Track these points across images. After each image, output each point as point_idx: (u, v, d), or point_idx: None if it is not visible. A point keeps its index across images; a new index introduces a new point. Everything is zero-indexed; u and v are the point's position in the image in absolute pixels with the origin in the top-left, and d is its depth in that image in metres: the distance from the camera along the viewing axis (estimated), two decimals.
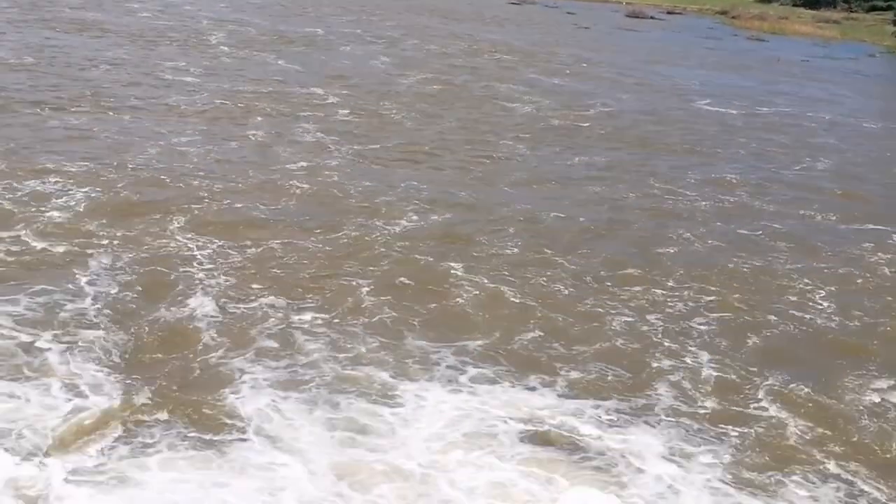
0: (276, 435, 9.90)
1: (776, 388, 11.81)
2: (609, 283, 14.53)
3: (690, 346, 12.75)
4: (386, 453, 9.79)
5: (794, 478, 9.96)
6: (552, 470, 9.73)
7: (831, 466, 10.18)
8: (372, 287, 13.64)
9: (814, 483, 9.87)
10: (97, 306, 12.34)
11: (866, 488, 9.85)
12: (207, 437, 9.78)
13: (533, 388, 11.37)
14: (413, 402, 10.78)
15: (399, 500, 9.08)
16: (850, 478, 10.02)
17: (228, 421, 10.11)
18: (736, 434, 10.68)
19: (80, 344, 11.37)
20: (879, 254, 16.99)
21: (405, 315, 12.89)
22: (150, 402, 10.28)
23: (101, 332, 11.68)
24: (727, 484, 9.79)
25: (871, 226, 18.69)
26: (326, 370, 11.27)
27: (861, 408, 11.52)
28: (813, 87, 38.50)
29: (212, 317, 12.35)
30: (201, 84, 27.03)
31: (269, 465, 9.46)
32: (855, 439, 10.78)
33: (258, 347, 11.65)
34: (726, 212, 18.92)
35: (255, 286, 13.31)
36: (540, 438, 10.30)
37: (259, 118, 23.49)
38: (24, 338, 11.33)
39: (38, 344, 11.23)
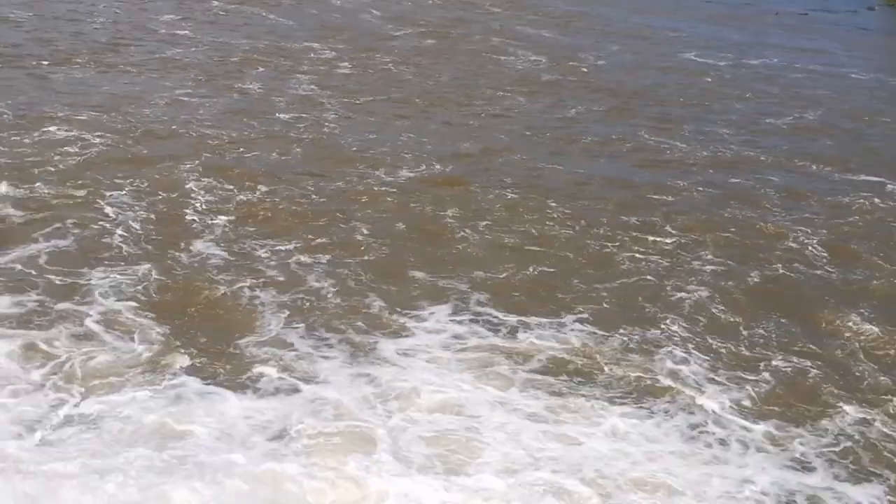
0: (294, 366, 10.85)
1: (774, 328, 12.63)
2: (608, 229, 15.32)
3: (692, 287, 13.57)
4: (401, 378, 10.70)
5: (794, 414, 10.76)
6: (568, 395, 10.72)
7: (836, 409, 10.91)
8: (372, 231, 14.61)
9: (820, 426, 10.56)
10: (119, 245, 13.48)
11: (862, 427, 10.57)
12: (228, 368, 10.71)
13: (541, 321, 12.30)
14: (419, 332, 11.83)
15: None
16: (848, 417, 10.76)
17: (248, 355, 11.03)
18: (743, 371, 11.52)
19: (103, 283, 12.32)
20: (876, 200, 17.68)
21: (407, 256, 13.92)
22: (174, 338, 11.22)
23: (123, 271, 12.72)
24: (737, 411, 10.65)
25: (864, 176, 19.36)
26: (332, 302, 12.37)
27: (855, 348, 12.29)
28: (807, 39, 39.07)
29: (222, 257, 13.41)
30: (197, 38, 27.63)
31: (292, 390, 10.33)
32: (849, 379, 11.54)
33: (267, 283, 12.71)
34: (720, 162, 19.65)
35: (260, 229, 14.39)
36: (553, 368, 11.30)
37: (256, 71, 24.19)
38: (54, 280, 12.29)
39: (60, 283, 12.21)
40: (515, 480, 9.22)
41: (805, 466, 9.85)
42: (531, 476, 9.31)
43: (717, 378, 11.27)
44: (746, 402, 10.84)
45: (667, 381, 11.15)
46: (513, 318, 12.32)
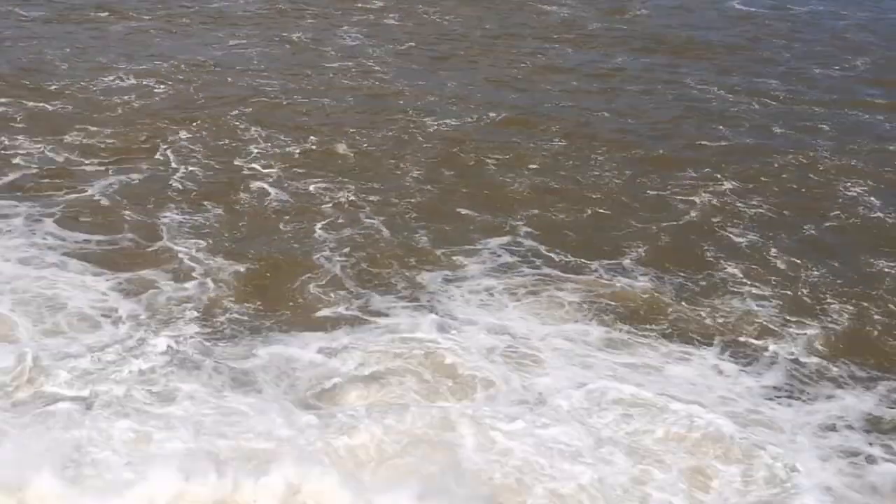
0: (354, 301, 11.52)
1: (830, 273, 12.91)
2: (658, 176, 15.70)
3: (747, 232, 13.93)
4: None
5: (862, 354, 11.10)
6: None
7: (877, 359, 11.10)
8: (421, 175, 15.23)
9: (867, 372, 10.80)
10: (182, 187, 14.39)
11: None
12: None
13: (597, 260, 12.84)
14: (472, 270, 12.44)
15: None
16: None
17: (311, 293, 11.75)
18: (806, 316, 11.87)
19: (171, 224, 13.23)
20: None
21: (456, 198, 14.56)
22: (241, 276, 11.97)
23: (188, 213, 13.62)
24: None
25: None
26: (385, 239, 13.16)
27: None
28: None
29: (281, 199, 14.17)
30: None
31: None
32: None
33: (325, 224, 13.50)
34: (769, 111, 19.68)
35: (314, 172, 15.14)
36: (612, 305, 11.83)
37: (306, 22, 24.58)
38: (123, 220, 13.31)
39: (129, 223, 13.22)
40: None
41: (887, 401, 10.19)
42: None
43: (781, 319, 11.66)
44: (816, 344, 11.20)
45: (724, 321, 11.57)
46: (566, 257, 12.86)
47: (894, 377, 10.64)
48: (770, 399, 10.14)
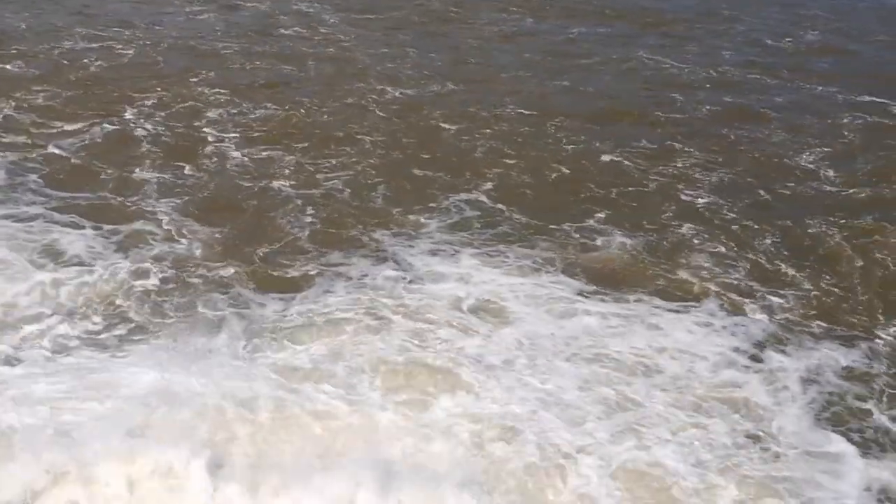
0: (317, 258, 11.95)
1: (781, 239, 13.19)
2: (612, 145, 15.95)
3: (704, 199, 14.22)
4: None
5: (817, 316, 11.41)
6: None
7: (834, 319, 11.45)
8: (380, 141, 15.54)
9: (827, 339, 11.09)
10: (146, 149, 14.71)
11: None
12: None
13: (556, 221, 13.15)
14: (431, 227, 12.88)
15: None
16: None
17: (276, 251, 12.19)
18: (764, 280, 12.15)
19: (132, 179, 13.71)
20: (874, 119, 18.01)
21: (413, 162, 14.83)
22: (207, 234, 12.33)
23: (151, 173, 13.97)
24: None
25: (866, 96, 19.60)
26: (345, 199, 13.51)
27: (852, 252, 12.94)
28: None
29: (243, 162, 14.50)
30: None
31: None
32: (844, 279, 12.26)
33: (286, 185, 13.85)
34: (724, 82, 20.03)
35: (274, 137, 15.46)
36: (572, 263, 12.18)
37: None
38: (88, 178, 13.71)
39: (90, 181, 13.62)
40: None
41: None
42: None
43: (740, 281, 12.00)
44: (773, 306, 11.51)
45: (682, 279, 11.96)
46: (527, 217, 13.19)
47: (841, 336, 11.01)
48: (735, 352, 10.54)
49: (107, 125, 15.17)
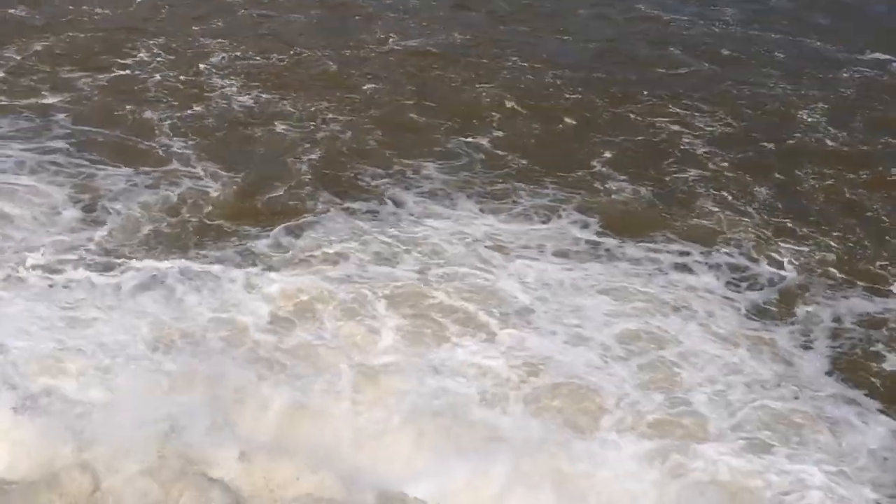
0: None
1: (782, 192, 13.51)
2: (613, 98, 16.16)
3: (706, 151, 14.48)
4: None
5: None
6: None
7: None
8: (383, 89, 15.79)
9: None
10: (154, 90, 15.25)
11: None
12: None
13: (560, 169, 13.50)
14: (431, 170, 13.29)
15: None
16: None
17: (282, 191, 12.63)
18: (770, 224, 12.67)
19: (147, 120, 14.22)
20: (874, 73, 18.07)
21: (418, 110, 15.08)
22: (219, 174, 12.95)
23: (163, 112, 14.53)
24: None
25: (866, 52, 19.61)
26: (347, 143, 13.94)
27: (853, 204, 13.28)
28: None
29: (249, 106, 14.96)
30: None
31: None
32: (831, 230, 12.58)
33: (289, 129, 14.29)
34: (721, 37, 20.05)
35: (277, 83, 15.75)
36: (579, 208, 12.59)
37: None
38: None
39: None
40: None
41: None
42: None
43: (748, 230, 12.40)
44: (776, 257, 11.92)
45: (697, 226, 12.42)
46: (530, 164, 13.54)
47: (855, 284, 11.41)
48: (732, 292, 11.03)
49: (118, 71, 15.54)
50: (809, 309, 10.91)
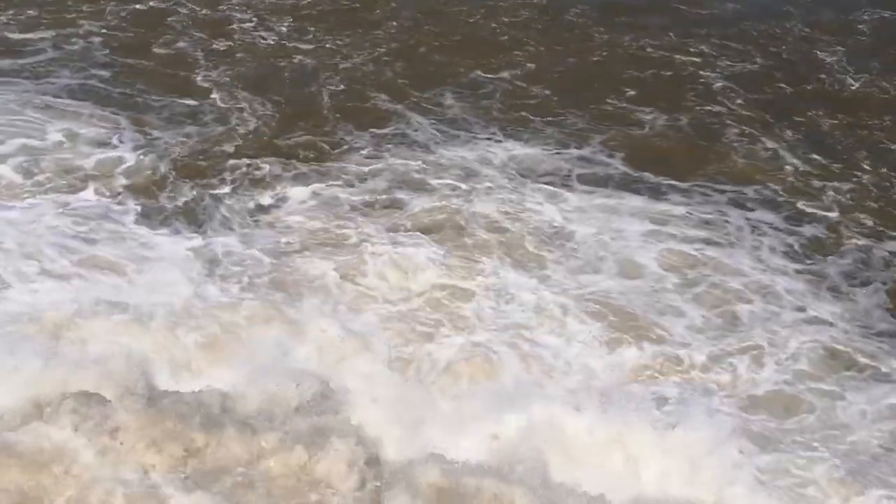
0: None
1: (804, 129, 13.61)
2: (633, 36, 16.10)
3: (727, 89, 14.54)
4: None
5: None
6: None
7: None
8: (402, 24, 15.79)
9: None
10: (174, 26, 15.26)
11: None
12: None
13: (588, 103, 13.71)
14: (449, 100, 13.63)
15: None
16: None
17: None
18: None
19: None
20: (893, 18, 17.98)
21: (437, 46, 15.19)
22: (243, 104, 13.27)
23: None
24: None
25: None
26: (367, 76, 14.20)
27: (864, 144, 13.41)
28: None
29: (271, 42, 15.11)
30: None
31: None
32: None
33: (309, 62, 14.54)
34: None
35: (297, 17, 15.87)
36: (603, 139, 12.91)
37: None
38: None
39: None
40: None
41: None
42: None
43: (776, 172, 12.53)
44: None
45: (728, 165, 12.60)
46: (552, 96, 13.78)
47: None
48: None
49: (138, 6, 15.55)
50: (859, 244, 11.14)
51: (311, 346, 8.80)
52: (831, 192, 12.03)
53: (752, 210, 11.63)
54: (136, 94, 13.17)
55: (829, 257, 10.87)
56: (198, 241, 10.41)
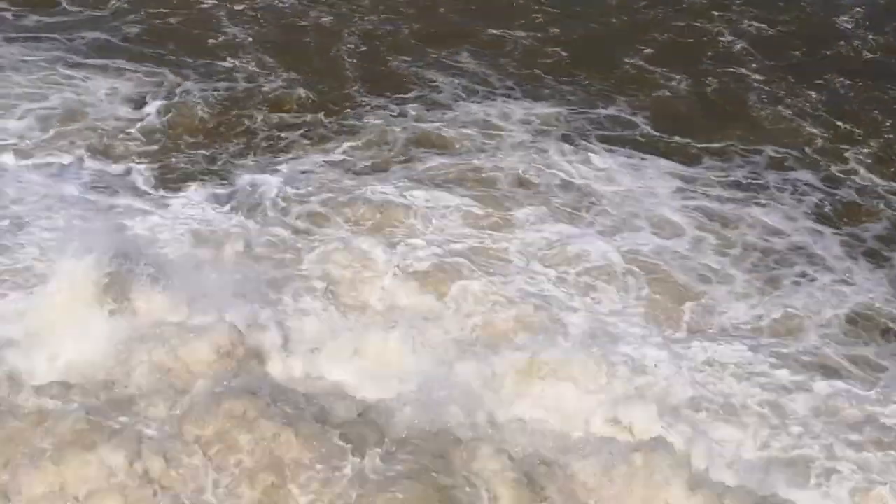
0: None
1: (825, 93, 13.53)
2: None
3: (746, 53, 14.45)
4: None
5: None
6: None
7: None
8: None
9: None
10: None
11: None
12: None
13: (605, 63, 13.76)
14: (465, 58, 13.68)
15: None
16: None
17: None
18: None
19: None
20: None
21: (449, 10, 15.05)
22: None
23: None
24: None
25: None
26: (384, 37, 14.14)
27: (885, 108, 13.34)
28: None
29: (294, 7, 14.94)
30: None
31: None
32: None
33: (328, 21, 14.55)
34: None
35: None
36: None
37: None
38: None
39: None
40: None
41: None
42: None
43: (801, 134, 12.49)
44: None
45: (753, 129, 12.57)
46: (566, 55, 13.77)
47: None
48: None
49: None
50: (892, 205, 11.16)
51: None
52: (857, 156, 11.98)
53: (778, 171, 11.61)
54: (167, 53, 13.22)
55: (863, 221, 10.87)
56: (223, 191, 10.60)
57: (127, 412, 7.15)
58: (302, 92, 12.52)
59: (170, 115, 11.85)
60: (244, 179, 10.73)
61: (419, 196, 10.42)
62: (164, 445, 6.85)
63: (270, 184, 10.57)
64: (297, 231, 9.85)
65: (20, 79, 12.14)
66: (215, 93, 12.40)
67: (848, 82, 13.79)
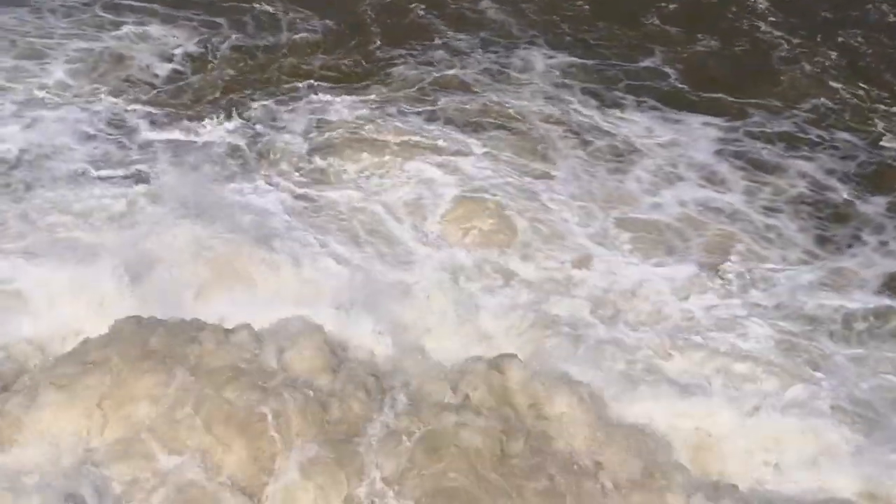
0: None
1: (848, 55, 13.19)
2: None
3: (772, 16, 14.00)
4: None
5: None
6: None
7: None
8: None
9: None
10: None
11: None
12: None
13: (633, 25, 13.30)
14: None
15: None
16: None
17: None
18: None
19: None
20: None
21: None
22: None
23: None
24: None
25: None
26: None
27: None
28: None
29: None
30: None
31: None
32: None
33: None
34: None
35: None
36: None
37: None
38: None
39: None
40: None
41: None
42: None
43: (827, 93, 12.17)
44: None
45: (782, 89, 12.20)
46: (587, 9, 13.41)
47: None
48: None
49: None
50: None
51: None
52: (888, 119, 11.68)
53: (814, 129, 11.33)
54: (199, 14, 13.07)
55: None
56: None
57: None
58: (330, 38, 12.52)
59: (196, 63, 11.93)
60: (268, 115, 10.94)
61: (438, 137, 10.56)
62: None
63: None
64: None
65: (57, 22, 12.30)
66: (247, 39, 12.51)
67: (879, 51, 13.40)
